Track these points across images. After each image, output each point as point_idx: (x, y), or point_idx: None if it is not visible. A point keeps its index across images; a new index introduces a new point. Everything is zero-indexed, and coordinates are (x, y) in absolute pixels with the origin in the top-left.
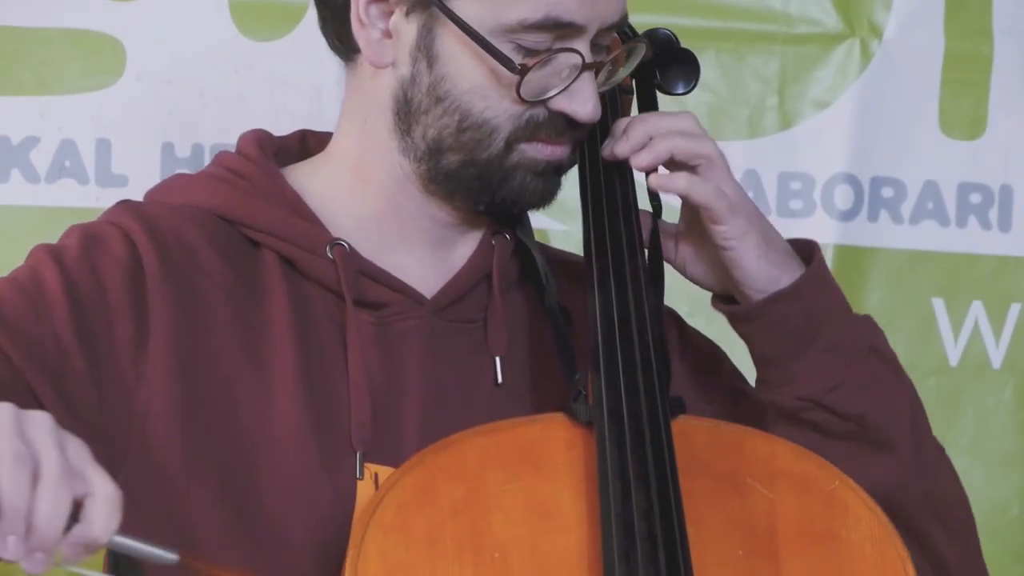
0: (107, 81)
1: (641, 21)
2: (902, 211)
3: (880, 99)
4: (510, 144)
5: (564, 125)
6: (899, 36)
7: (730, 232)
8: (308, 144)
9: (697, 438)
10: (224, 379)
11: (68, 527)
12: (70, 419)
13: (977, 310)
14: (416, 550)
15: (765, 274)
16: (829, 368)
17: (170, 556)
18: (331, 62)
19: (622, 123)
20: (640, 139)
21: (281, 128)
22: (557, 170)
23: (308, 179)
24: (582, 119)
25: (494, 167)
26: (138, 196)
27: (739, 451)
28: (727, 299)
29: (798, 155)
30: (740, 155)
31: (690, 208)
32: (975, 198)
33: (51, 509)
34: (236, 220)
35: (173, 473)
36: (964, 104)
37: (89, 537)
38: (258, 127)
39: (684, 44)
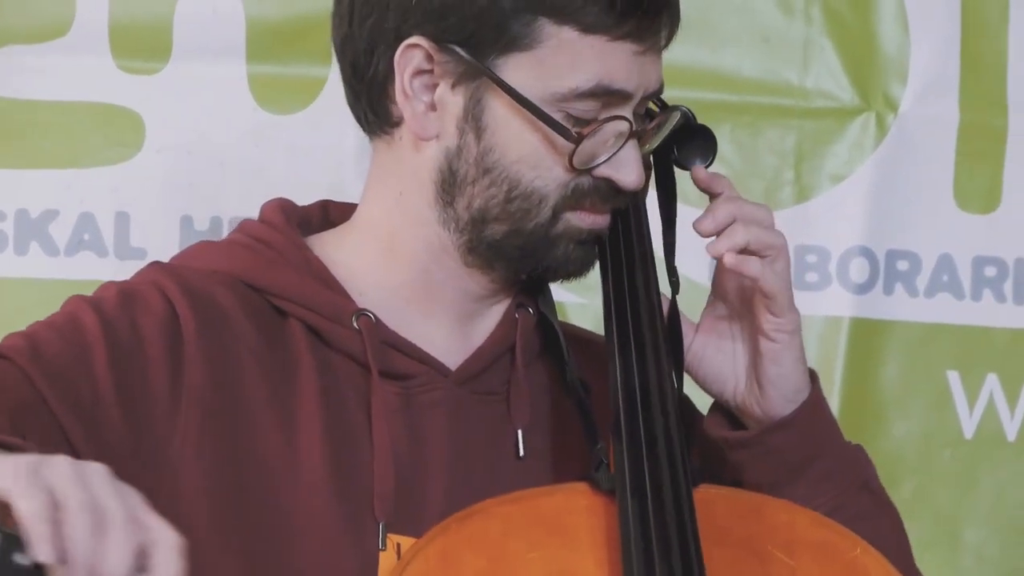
0: (127, 154)
1: None
2: (917, 284)
3: (895, 172)
4: (556, 213)
5: (608, 193)
6: (914, 109)
7: (786, 326)
8: (330, 214)
9: (717, 506)
10: (253, 443)
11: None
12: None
13: (992, 383)
14: None
15: (795, 380)
16: (820, 498)
17: None
18: (350, 134)
19: (701, 174)
20: (725, 220)
21: (300, 201)
22: (597, 239)
23: (333, 249)
24: (628, 187)
25: (539, 236)
26: None
27: (759, 519)
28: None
29: (814, 228)
30: None
31: (721, 305)
32: (990, 271)
33: (118, 558)
34: (263, 288)
35: (198, 532)
36: (979, 177)
37: None
38: (285, 199)
39: (700, 118)
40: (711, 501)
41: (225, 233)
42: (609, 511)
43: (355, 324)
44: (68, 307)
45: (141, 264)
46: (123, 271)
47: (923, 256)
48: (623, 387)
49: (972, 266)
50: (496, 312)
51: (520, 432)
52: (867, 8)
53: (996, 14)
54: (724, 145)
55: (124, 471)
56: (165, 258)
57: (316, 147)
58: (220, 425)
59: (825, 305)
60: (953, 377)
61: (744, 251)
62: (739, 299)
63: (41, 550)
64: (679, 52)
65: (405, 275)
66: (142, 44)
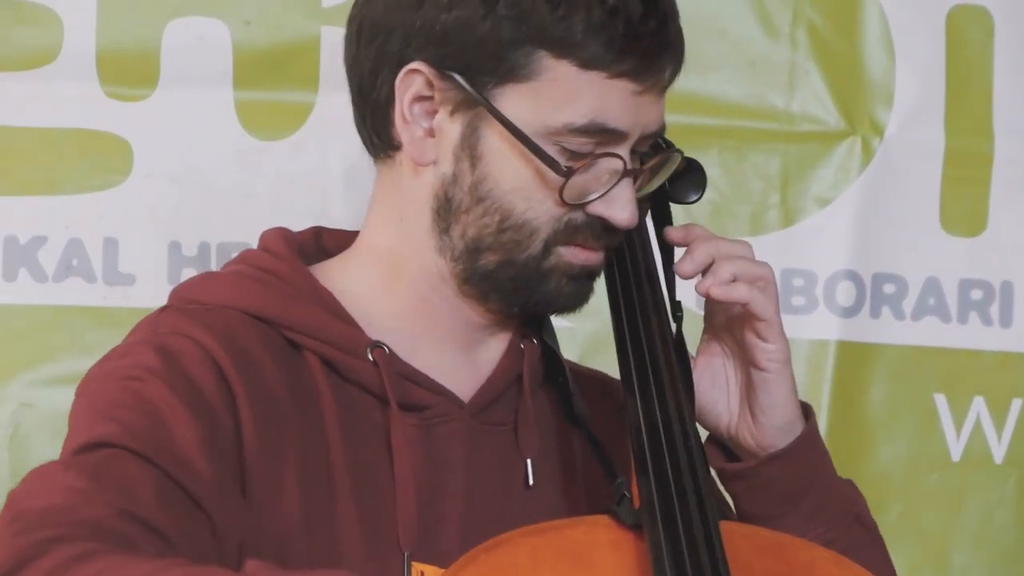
0: (114, 180)
1: None
2: (904, 307)
3: (881, 196)
4: (548, 246)
5: (600, 230)
6: (900, 133)
7: (777, 354)
8: (323, 241)
9: (739, 543)
10: (292, 479)
11: None
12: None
13: (979, 406)
14: None
15: (788, 410)
16: (813, 531)
17: None
18: (337, 160)
19: (673, 233)
20: (704, 260)
21: (288, 225)
22: (590, 275)
23: (337, 277)
24: (620, 224)
25: (531, 269)
26: (145, 295)
27: (780, 556)
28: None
29: (800, 252)
30: None
31: (722, 331)
32: (976, 294)
33: None
34: (275, 321)
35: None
36: (965, 201)
37: None
38: (264, 225)
39: (686, 142)
40: (733, 537)
41: (214, 258)
42: (634, 546)
43: (370, 356)
44: (117, 382)
45: (129, 290)
46: (112, 297)
47: (909, 279)
48: (645, 420)
49: (959, 289)
50: (501, 341)
51: (530, 462)
52: (852, 32)
53: (981, 39)
54: (710, 169)
55: (239, 526)
56: (154, 284)
57: (303, 172)
58: (268, 458)
59: (812, 328)
60: (940, 400)
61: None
62: (730, 332)
63: None
64: None
65: (407, 302)
66: (130, 71)
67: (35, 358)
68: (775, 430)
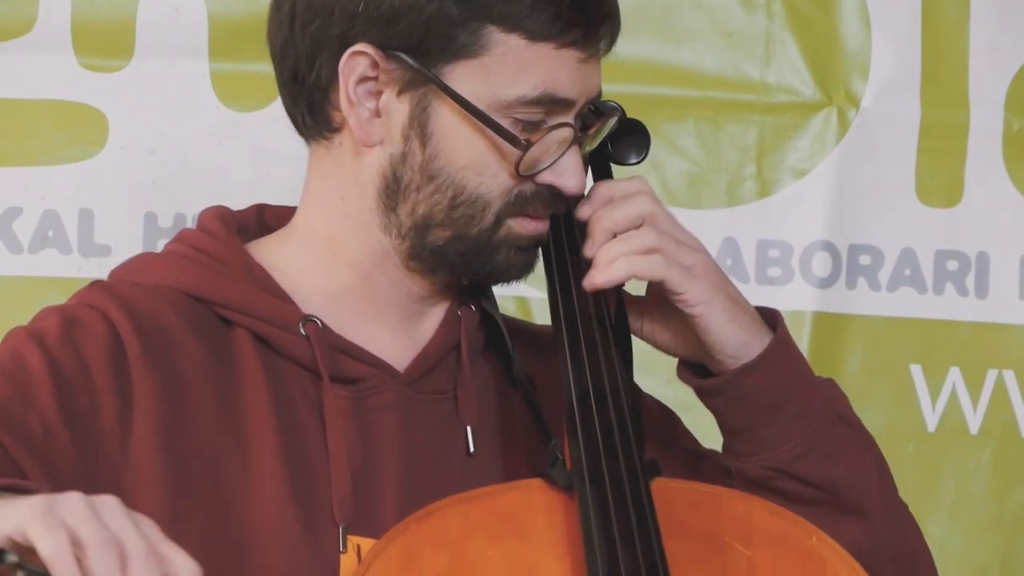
0: (90, 152)
1: (619, 91)
2: (880, 278)
3: (857, 167)
4: (499, 219)
5: (549, 199)
6: (876, 105)
7: (693, 299)
8: (265, 218)
9: (674, 500)
10: (206, 458)
11: None
12: None
13: (955, 376)
14: None
15: (735, 338)
16: (796, 436)
17: None
18: None
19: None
20: (607, 252)
21: (264, 197)
22: (537, 244)
23: (273, 255)
24: (570, 192)
25: (481, 242)
26: None
27: (715, 511)
28: (693, 368)
29: (776, 223)
30: (719, 223)
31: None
32: (952, 265)
33: None
34: (207, 299)
35: None
36: (941, 172)
37: None
38: (240, 197)
39: (662, 113)
40: (667, 494)
41: None
42: (567, 507)
43: (302, 330)
44: (10, 343)
45: (105, 261)
46: (87, 268)
47: (885, 250)
48: (575, 384)
49: (934, 260)
50: (439, 311)
51: (469, 429)
52: (829, 3)
53: (957, 10)
54: (686, 140)
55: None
56: (130, 255)
57: (279, 144)
58: (172, 444)
59: (788, 299)
60: (916, 371)
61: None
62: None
63: None
64: (641, 47)
65: (347, 280)
66: (105, 42)
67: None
68: (729, 360)
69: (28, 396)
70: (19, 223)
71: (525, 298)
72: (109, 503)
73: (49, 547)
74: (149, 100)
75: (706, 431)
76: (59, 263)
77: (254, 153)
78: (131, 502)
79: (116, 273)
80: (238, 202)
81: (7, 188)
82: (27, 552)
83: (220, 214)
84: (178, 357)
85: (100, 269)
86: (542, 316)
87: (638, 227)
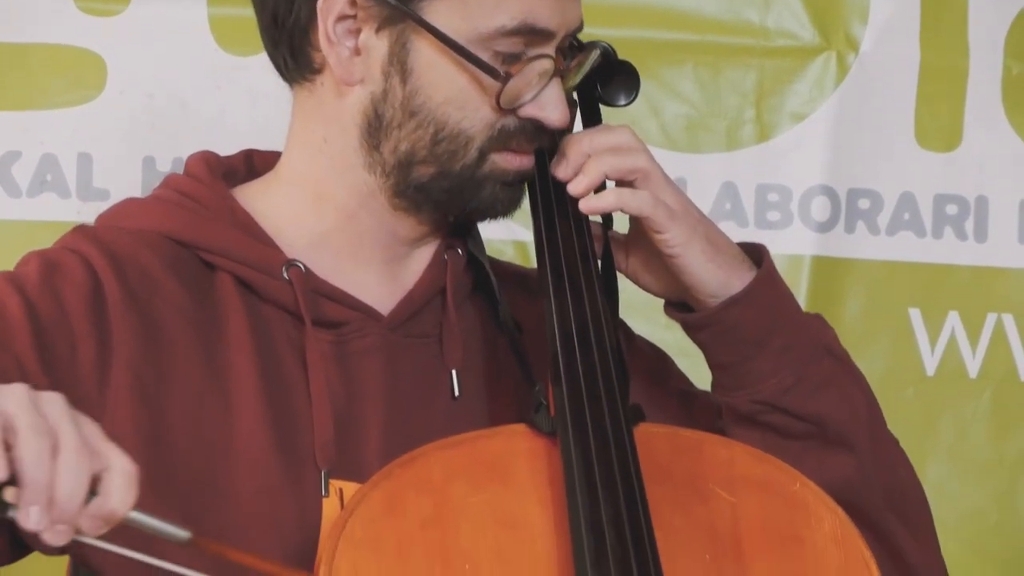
0: (89, 96)
1: (618, 35)
2: (879, 222)
3: (857, 111)
4: (483, 154)
5: (533, 133)
6: (875, 49)
7: (673, 239)
8: (254, 163)
9: (657, 445)
10: (187, 402)
11: (87, 501)
12: None
13: (953, 320)
14: (387, 564)
15: (715, 279)
16: (784, 369)
17: (181, 534)
18: None
19: (559, 170)
20: (578, 160)
21: (262, 141)
22: (522, 179)
23: (258, 199)
24: (553, 125)
25: (466, 178)
26: None
27: (699, 457)
28: (680, 306)
29: (775, 167)
30: (718, 168)
31: (634, 220)
32: (951, 209)
33: (72, 480)
34: (191, 243)
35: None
36: (940, 116)
37: (109, 509)
38: (238, 141)
39: (662, 57)
40: (651, 440)
41: None
42: (550, 453)
43: (285, 275)
44: None
45: (104, 205)
46: (85, 212)
47: (884, 194)
48: (559, 329)
49: (933, 204)
50: (425, 254)
51: (454, 373)
52: None
53: None
54: (685, 84)
55: None
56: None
57: (277, 88)
58: (152, 389)
59: (787, 244)
60: (915, 315)
61: (619, 182)
62: (636, 222)
63: None
64: None
65: (332, 222)
66: None
67: None
68: (710, 299)
69: (5, 340)
70: (18, 167)
71: (523, 242)
72: (53, 398)
73: None
74: (148, 44)
75: (706, 376)
76: (58, 207)
77: (252, 97)
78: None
79: (102, 218)
80: (236, 146)
81: (6, 132)
82: None
83: (206, 158)
84: (160, 302)
85: (98, 213)
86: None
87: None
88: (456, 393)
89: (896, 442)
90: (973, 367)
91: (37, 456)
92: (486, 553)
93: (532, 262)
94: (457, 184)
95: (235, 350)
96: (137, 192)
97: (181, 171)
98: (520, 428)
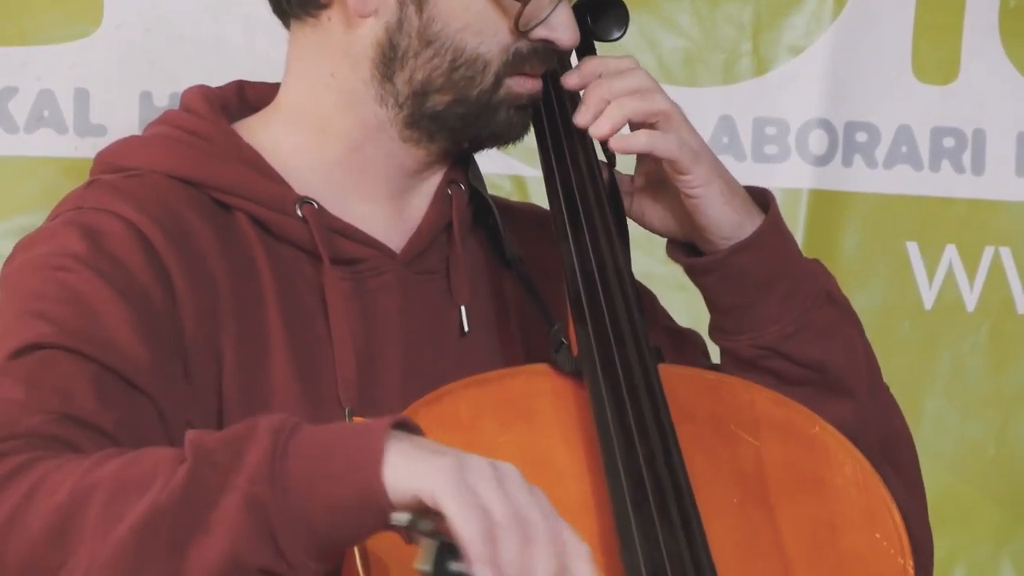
0: (85, 31)
1: None
2: (876, 156)
3: (854, 44)
4: (499, 79)
5: (545, 55)
6: None
7: (695, 180)
8: (247, 96)
9: (678, 386)
10: (229, 339)
11: None
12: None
13: (951, 253)
14: None
15: (730, 221)
16: (787, 315)
17: None
18: None
19: (569, 79)
20: (598, 105)
21: (260, 73)
22: (533, 103)
23: (259, 135)
24: (565, 46)
25: (482, 103)
26: None
27: (719, 398)
28: (684, 247)
29: (773, 101)
30: (715, 101)
31: (649, 160)
32: (948, 142)
33: (546, 572)
34: (202, 183)
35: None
36: (937, 49)
37: None
38: (236, 74)
39: None
40: (672, 380)
41: None
42: (575, 393)
43: (299, 212)
44: (43, 272)
45: (101, 141)
46: (83, 148)
47: (882, 128)
48: (580, 270)
49: (930, 137)
50: (427, 190)
51: (463, 309)
52: None
53: None
54: (682, 18)
55: (184, 404)
56: (125, 134)
57: (274, 20)
58: (205, 324)
59: (784, 177)
60: (912, 248)
61: (631, 124)
62: (654, 162)
63: (481, 571)
64: None
65: (337, 157)
66: None
67: (6, 209)
68: (722, 241)
69: (98, 315)
70: (15, 103)
71: (521, 176)
72: (513, 474)
73: (468, 528)
74: None
75: (699, 309)
76: (55, 143)
77: (250, 29)
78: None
79: (102, 156)
80: (234, 79)
81: (2, 68)
82: (431, 513)
83: (204, 93)
84: (197, 243)
85: (95, 149)
86: (538, 196)
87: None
88: (465, 329)
89: (889, 390)
90: (970, 300)
91: (517, 552)
92: None
93: (529, 197)
94: (473, 110)
95: (262, 290)
96: (135, 128)
97: (178, 106)
98: (541, 368)
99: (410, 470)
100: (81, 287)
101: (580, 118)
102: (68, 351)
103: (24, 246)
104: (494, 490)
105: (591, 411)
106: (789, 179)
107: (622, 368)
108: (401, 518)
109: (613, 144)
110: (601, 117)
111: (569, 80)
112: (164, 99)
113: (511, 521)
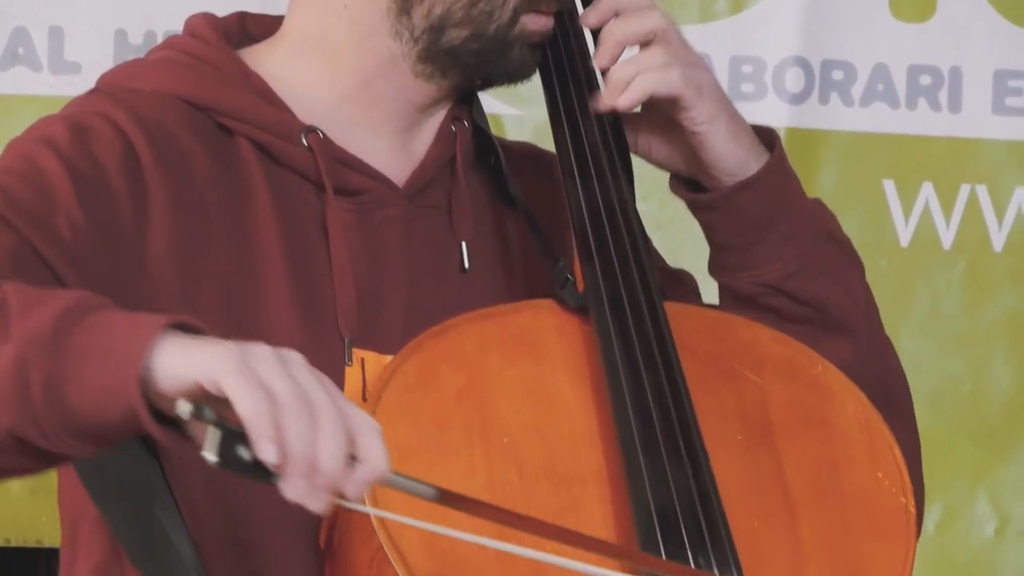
0: None
1: None
2: (852, 93)
3: None
4: (516, 15)
5: None
6: None
7: (700, 116)
8: (248, 27)
9: (682, 323)
10: (216, 267)
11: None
12: None
13: (927, 191)
14: (424, 433)
15: (734, 157)
16: (788, 254)
17: (429, 491)
18: None
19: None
20: (614, 49)
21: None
22: (544, 40)
23: (267, 63)
24: None
25: (498, 40)
26: (91, 83)
27: (722, 337)
28: (686, 182)
29: (749, 39)
30: (692, 39)
31: (654, 97)
32: (925, 80)
33: (335, 448)
34: (208, 106)
35: None
36: None
37: (374, 473)
38: (212, 11)
39: None
40: (676, 318)
41: None
42: (580, 329)
43: (304, 141)
44: (18, 150)
45: (75, 79)
46: (57, 85)
47: (858, 65)
48: (587, 205)
49: (907, 75)
50: (432, 126)
51: (464, 245)
52: None
53: None
54: None
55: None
56: (100, 72)
57: None
58: (185, 252)
59: (760, 115)
60: (888, 186)
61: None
62: (656, 104)
63: (265, 449)
64: None
65: (347, 89)
66: None
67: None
68: (727, 177)
69: (50, 198)
70: None
71: (499, 115)
72: (295, 358)
73: (249, 407)
74: None
75: (677, 250)
76: (30, 80)
77: None
78: (151, 308)
79: (107, 78)
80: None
81: None
82: (215, 401)
83: (210, 20)
84: (186, 163)
85: (71, 86)
86: (515, 134)
87: (648, 42)
88: (466, 265)
89: (887, 334)
90: (947, 238)
91: (302, 429)
92: (524, 428)
93: (506, 135)
94: (488, 46)
95: (260, 218)
96: (110, 66)
97: (152, 45)
98: (546, 303)
99: (188, 356)
100: (45, 169)
101: (599, 61)
102: (5, 221)
103: (17, 138)
104: (277, 372)
105: (597, 346)
106: (766, 117)
107: (629, 304)
108: (184, 407)
109: (621, 101)
110: (624, 95)
111: (588, 18)
112: (139, 37)
113: (295, 400)
